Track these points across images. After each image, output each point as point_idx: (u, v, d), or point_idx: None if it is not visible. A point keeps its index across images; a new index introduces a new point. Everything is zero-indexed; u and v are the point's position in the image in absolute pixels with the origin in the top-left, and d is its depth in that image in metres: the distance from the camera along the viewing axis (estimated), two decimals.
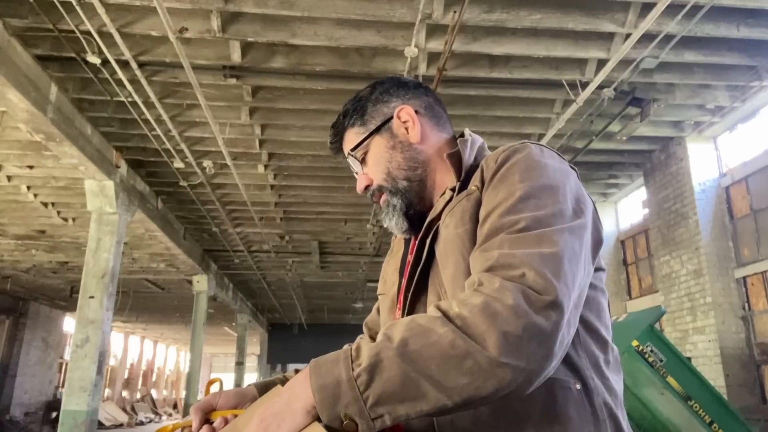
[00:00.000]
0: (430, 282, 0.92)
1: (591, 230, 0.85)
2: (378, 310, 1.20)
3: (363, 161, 1.05)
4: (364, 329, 1.25)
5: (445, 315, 0.70)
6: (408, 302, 0.93)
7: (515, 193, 0.81)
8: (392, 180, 1.02)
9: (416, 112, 1.04)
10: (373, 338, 1.18)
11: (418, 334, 0.69)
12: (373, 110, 1.05)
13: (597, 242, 0.88)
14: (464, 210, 0.89)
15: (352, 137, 1.06)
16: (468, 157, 0.98)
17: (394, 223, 1.02)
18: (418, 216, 1.01)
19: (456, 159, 0.97)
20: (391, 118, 1.04)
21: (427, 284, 0.92)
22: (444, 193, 0.97)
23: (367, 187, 1.06)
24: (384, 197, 1.03)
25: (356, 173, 1.08)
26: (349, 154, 1.06)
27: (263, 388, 1.00)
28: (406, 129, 1.03)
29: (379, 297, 1.14)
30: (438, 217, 0.94)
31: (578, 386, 0.82)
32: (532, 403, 0.78)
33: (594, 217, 0.88)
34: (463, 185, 0.94)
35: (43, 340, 18.86)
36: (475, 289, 0.72)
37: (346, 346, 0.76)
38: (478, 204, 0.88)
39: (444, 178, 1.02)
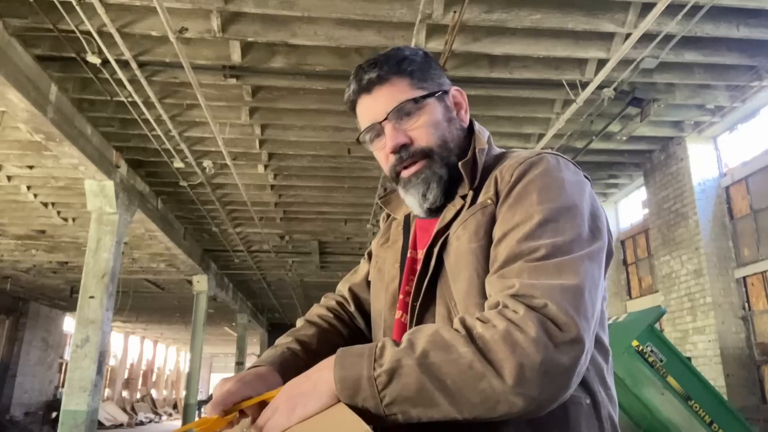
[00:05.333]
0: (438, 293, 0.90)
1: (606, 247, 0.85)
2: (367, 283, 1.15)
3: (408, 115, 0.94)
4: (345, 292, 1.18)
5: (469, 334, 0.71)
6: (416, 312, 0.91)
7: (534, 216, 0.80)
8: (447, 151, 0.95)
9: None
10: (341, 304, 1.16)
11: (440, 348, 0.70)
12: (432, 74, 0.99)
13: (609, 255, 0.87)
14: (479, 224, 0.87)
15: (404, 86, 0.95)
16: (481, 164, 0.95)
17: (432, 195, 0.94)
18: (447, 199, 0.96)
19: (470, 168, 0.93)
20: (448, 91, 1.00)
21: (434, 294, 0.90)
22: (454, 199, 0.94)
23: (404, 146, 0.94)
24: (425, 163, 0.94)
25: (381, 122, 0.95)
26: (412, 100, 0.94)
27: (280, 368, 0.93)
28: (458, 111, 1.00)
29: (373, 283, 1.10)
30: (447, 226, 0.92)
31: (588, 401, 0.83)
32: (547, 419, 0.77)
33: (608, 231, 0.87)
34: (474, 192, 0.92)
35: (43, 340, 18.86)
36: (500, 311, 0.72)
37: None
38: (493, 218, 0.86)
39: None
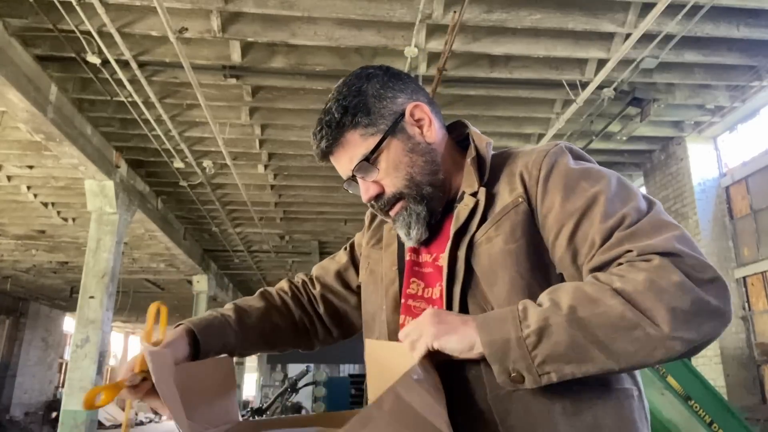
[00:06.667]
0: (470, 300, 0.85)
1: None
2: (337, 275, 1.17)
3: (372, 166, 0.93)
4: (315, 276, 1.20)
5: (611, 287, 0.71)
6: None
7: (598, 196, 0.81)
8: (416, 186, 0.92)
9: None
10: (306, 285, 1.19)
11: (586, 303, 0.71)
12: (380, 107, 0.94)
13: None
14: (514, 224, 0.85)
15: (356, 139, 0.93)
16: (489, 159, 0.93)
17: (415, 233, 0.93)
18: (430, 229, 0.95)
19: (480, 163, 0.92)
20: (403, 115, 0.94)
21: (465, 301, 0.86)
22: (462, 198, 0.91)
23: (378, 196, 0.94)
24: (402, 205, 0.94)
25: (353, 177, 0.96)
26: (365, 160, 0.92)
27: (203, 330, 0.97)
28: (420, 128, 0.95)
29: (365, 285, 1.08)
30: (465, 226, 0.89)
31: (636, 392, 0.83)
32: (605, 413, 0.78)
33: None
34: (487, 190, 0.90)
35: (43, 340, 18.86)
36: (631, 264, 0.72)
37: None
38: (528, 216, 0.85)
39: (456, 180, 0.96)
